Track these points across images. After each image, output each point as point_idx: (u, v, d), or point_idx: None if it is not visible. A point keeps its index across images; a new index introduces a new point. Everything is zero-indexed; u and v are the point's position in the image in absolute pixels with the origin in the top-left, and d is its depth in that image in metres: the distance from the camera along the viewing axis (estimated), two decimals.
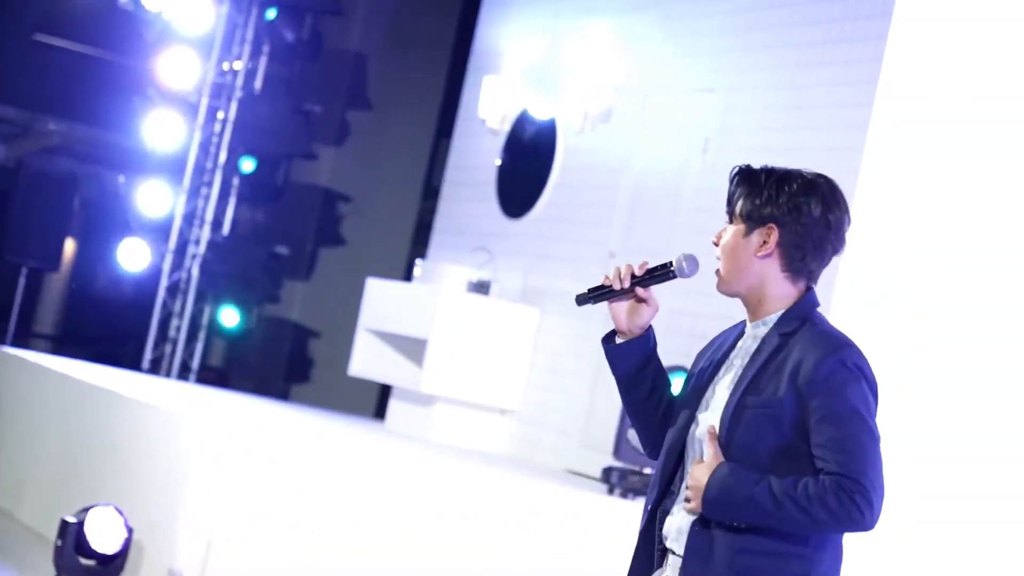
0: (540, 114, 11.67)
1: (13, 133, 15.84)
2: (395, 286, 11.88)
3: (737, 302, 3.84)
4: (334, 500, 8.01)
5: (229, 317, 14.31)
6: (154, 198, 14.07)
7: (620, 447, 9.15)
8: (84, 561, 7.94)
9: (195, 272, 14.16)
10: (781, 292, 3.77)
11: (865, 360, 3.68)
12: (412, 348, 11.33)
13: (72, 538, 7.87)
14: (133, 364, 13.94)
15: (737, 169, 3.82)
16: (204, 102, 14.13)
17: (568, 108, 11.33)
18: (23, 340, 14.54)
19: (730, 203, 3.81)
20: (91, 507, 7.96)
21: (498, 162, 12.05)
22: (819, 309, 3.80)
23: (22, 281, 13.71)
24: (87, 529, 7.87)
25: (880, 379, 3.72)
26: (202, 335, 14.35)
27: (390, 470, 8.37)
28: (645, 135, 10.67)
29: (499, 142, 12.09)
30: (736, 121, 9.80)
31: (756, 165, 3.82)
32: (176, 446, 8.27)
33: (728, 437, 3.68)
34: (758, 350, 3.74)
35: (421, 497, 8.12)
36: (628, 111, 10.83)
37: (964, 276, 8.76)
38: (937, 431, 8.68)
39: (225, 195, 14.31)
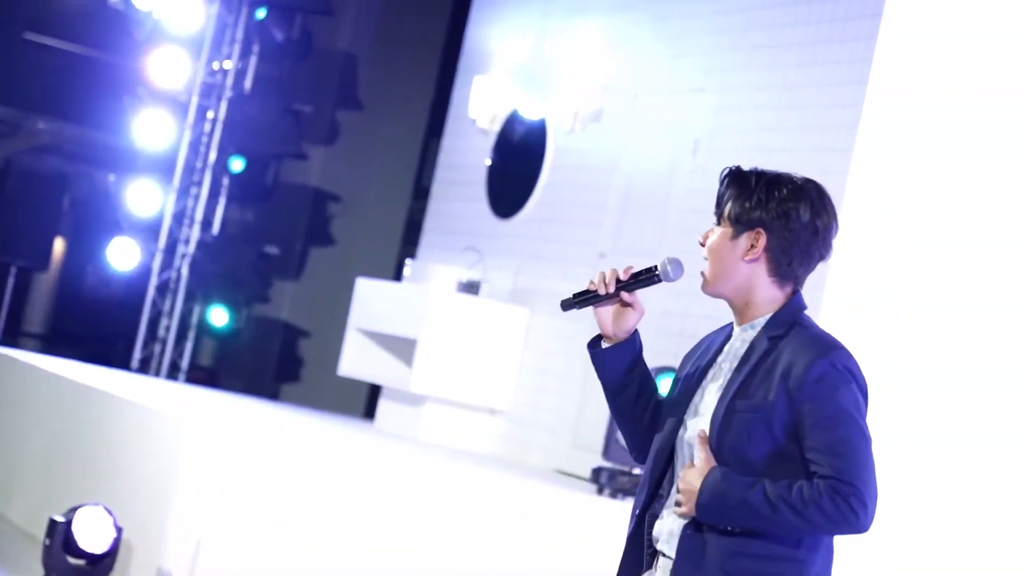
0: (530, 114, 11.67)
1: (2, 132, 15.83)
2: (385, 286, 11.88)
3: (726, 303, 3.83)
4: (324, 500, 8.01)
5: (219, 317, 14.30)
6: (144, 197, 14.06)
7: (609, 447, 9.16)
8: (73, 561, 7.92)
9: (185, 271, 14.15)
10: (768, 296, 3.77)
11: (855, 362, 3.68)
12: (402, 348, 11.32)
13: (60, 537, 7.86)
14: (122, 363, 13.93)
15: (727, 170, 3.82)
16: (194, 101, 14.12)
17: (558, 108, 11.33)
18: (12, 339, 14.53)
19: (719, 204, 3.81)
20: (80, 506, 7.95)
21: (488, 162, 12.05)
22: (808, 309, 3.80)
23: (11, 280, 13.70)
24: (75, 528, 7.86)
25: (870, 377, 3.73)
26: (192, 335, 14.33)
27: (380, 470, 8.36)
28: (635, 135, 10.67)
29: (489, 142, 12.09)
30: (726, 122, 9.81)
31: (746, 167, 3.82)
32: (165, 446, 8.26)
33: (719, 441, 3.67)
34: (747, 354, 3.73)
35: (411, 497, 8.12)
36: (618, 111, 10.83)
37: (954, 273, 8.77)
38: (927, 428, 8.69)
39: (215, 195, 14.30)
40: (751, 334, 3.77)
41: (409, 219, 15.53)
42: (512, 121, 11.91)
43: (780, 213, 3.72)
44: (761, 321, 3.77)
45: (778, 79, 9.47)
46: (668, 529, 3.75)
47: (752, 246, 3.74)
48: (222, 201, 14.33)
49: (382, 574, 8.01)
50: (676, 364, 4.37)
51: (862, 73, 8.79)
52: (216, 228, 14.29)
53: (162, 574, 7.77)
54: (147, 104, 13.95)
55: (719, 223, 3.80)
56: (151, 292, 14.15)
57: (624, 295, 3.82)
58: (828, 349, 3.66)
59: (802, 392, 3.62)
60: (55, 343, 15.80)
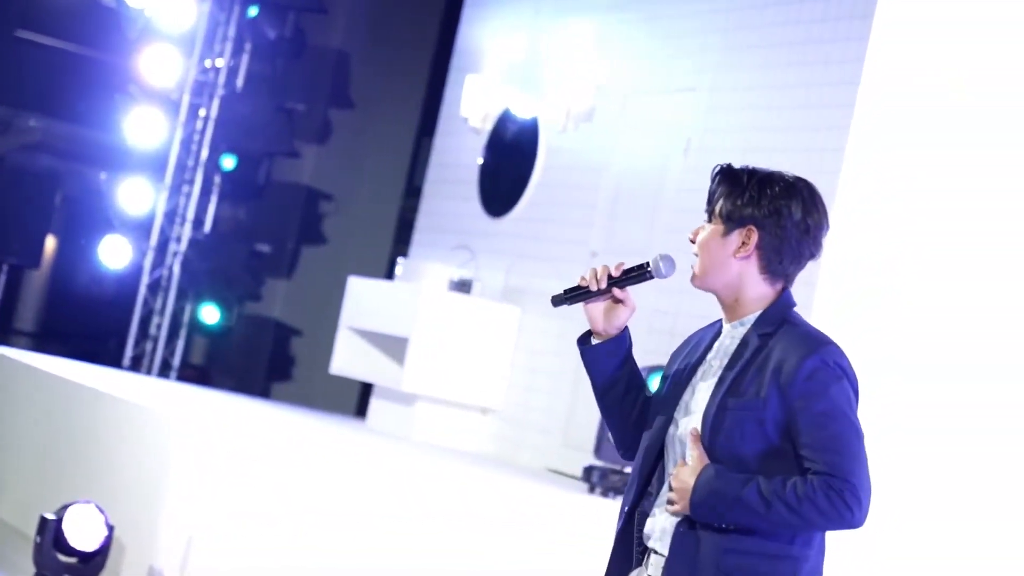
0: (522, 113, 11.67)
1: None
2: (377, 284, 11.87)
3: (717, 302, 3.84)
4: (315, 498, 8.01)
5: (210, 315, 14.30)
6: (135, 195, 14.05)
7: (601, 446, 9.16)
8: (64, 558, 7.92)
9: (176, 270, 14.14)
10: (758, 293, 3.78)
11: (846, 358, 3.69)
12: (393, 346, 11.32)
13: (51, 535, 7.85)
14: (114, 361, 13.92)
15: (719, 168, 3.83)
16: (186, 99, 14.11)
17: (550, 107, 11.34)
18: (3, 337, 14.52)
19: (710, 202, 3.81)
20: (71, 504, 7.94)
21: (480, 161, 12.05)
22: (799, 307, 3.81)
23: (2, 278, 13.68)
24: (66, 526, 7.85)
25: (862, 374, 3.73)
26: (183, 333, 14.33)
27: (371, 469, 8.36)
28: (627, 134, 10.68)
29: (481, 141, 12.09)
30: (718, 121, 9.81)
31: (738, 165, 3.83)
32: (157, 444, 8.25)
33: (711, 439, 3.68)
34: (738, 351, 3.74)
35: (402, 496, 8.12)
36: (610, 110, 10.84)
37: (945, 272, 8.79)
38: (919, 426, 8.70)
39: (207, 193, 14.29)
40: (741, 331, 3.77)
41: (401, 218, 15.52)
42: (504, 120, 11.91)
43: (772, 211, 3.73)
44: (751, 318, 3.77)
45: (769, 79, 9.48)
46: (660, 527, 3.75)
47: (743, 243, 3.75)
48: (214, 199, 14.32)
49: (373, 573, 8.01)
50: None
51: (854, 73, 8.80)
52: (208, 226, 14.29)
53: (153, 572, 7.76)
54: (139, 102, 13.94)
55: (710, 220, 3.80)
56: (143, 290, 14.14)
57: (616, 291, 3.82)
58: (819, 346, 3.67)
59: (794, 389, 3.63)
60: (46, 341, 15.77)
